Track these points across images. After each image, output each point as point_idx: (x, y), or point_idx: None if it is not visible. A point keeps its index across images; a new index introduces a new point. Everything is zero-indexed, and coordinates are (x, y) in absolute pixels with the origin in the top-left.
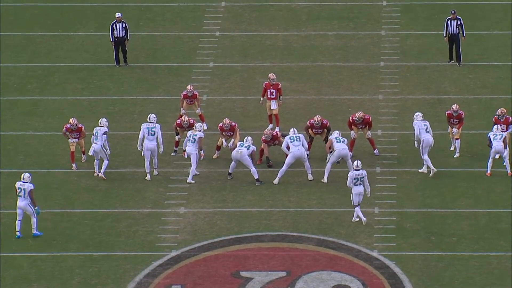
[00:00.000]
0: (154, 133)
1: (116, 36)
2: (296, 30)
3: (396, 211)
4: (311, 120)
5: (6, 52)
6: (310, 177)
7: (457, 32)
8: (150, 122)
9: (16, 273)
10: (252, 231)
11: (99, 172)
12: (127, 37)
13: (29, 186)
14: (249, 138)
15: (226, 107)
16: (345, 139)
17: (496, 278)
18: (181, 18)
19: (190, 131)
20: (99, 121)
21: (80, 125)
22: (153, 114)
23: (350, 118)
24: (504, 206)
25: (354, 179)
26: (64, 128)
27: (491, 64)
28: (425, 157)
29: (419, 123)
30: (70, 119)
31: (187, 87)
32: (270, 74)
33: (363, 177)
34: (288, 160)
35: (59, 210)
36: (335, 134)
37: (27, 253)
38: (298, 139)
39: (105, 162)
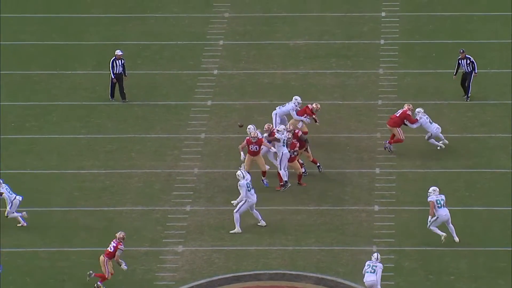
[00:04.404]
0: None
1: (115, 72)
2: (294, 68)
3: (395, 250)
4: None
5: (4, 90)
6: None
7: (469, 70)
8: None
9: None
10: (250, 270)
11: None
12: (125, 73)
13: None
14: (282, 126)
15: (225, 145)
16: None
17: None
18: (179, 56)
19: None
20: None
21: None
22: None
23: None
24: (503, 245)
25: (367, 265)
26: None
27: (489, 102)
28: (432, 141)
29: (424, 118)
30: None
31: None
32: (300, 122)
33: (375, 266)
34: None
35: (56, 249)
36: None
37: None
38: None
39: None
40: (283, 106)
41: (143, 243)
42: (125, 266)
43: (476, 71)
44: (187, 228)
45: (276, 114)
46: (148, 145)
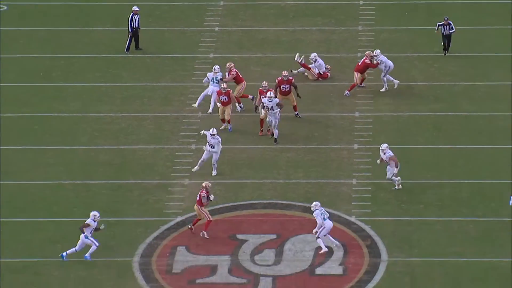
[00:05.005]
0: (218, 82)
1: (133, 26)
2: (284, 26)
3: (372, 182)
4: (278, 78)
5: (34, 45)
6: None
7: (449, 33)
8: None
9: (43, 236)
10: (246, 200)
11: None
12: (139, 26)
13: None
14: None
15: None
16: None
17: (458, 240)
18: (185, 15)
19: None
20: None
21: None
22: (217, 66)
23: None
24: (465, 178)
25: (321, 214)
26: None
27: (453, 55)
28: (387, 77)
29: (383, 57)
30: None
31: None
32: (283, 72)
33: (326, 212)
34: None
35: (80, 182)
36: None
37: (52, 218)
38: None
39: None
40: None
41: (154, 177)
42: (212, 197)
43: (454, 30)
44: (193, 164)
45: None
46: (158, 92)
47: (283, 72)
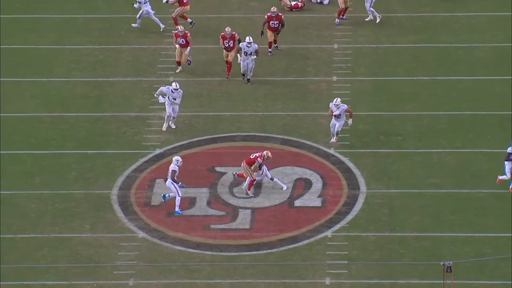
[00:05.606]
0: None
1: None
2: None
3: None
4: (268, 13)
5: None
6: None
7: None
8: None
9: (20, 168)
10: (225, 132)
11: None
12: None
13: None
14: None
15: (201, 25)
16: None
17: (436, 171)
18: None
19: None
20: None
21: None
22: None
23: None
24: (444, 109)
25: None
26: None
27: None
28: (372, 8)
29: None
30: None
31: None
32: (272, 8)
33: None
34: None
35: (57, 114)
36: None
37: (30, 151)
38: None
39: None
40: None
41: (133, 109)
42: (260, 177)
43: None
44: None
45: None
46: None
47: (272, 8)
